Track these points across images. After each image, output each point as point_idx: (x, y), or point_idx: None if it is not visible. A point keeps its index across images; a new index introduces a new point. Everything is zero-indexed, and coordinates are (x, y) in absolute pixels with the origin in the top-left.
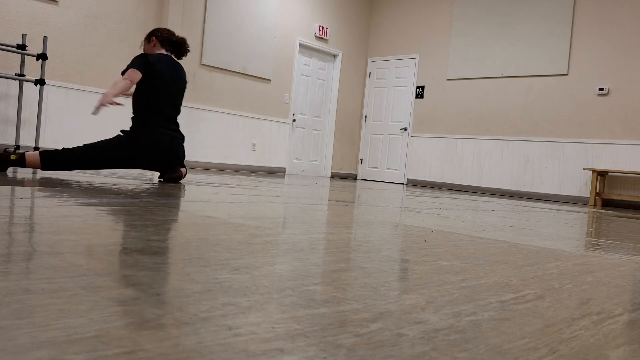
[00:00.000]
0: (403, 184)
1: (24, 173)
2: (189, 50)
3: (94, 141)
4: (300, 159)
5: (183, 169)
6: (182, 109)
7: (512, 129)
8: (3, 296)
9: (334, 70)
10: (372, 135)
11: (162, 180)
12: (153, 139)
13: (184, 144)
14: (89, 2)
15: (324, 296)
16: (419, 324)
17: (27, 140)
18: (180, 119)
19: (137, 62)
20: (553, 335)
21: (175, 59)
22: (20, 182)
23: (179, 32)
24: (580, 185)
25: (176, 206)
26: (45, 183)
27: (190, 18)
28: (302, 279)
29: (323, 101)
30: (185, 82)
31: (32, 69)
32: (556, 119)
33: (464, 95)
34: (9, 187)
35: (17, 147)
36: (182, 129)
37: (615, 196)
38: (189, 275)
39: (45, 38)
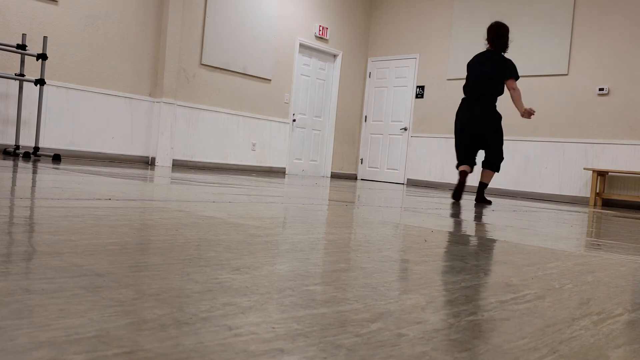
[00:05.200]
0: (403, 184)
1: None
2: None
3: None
4: (300, 159)
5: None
6: (181, 108)
7: (512, 129)
8: (3, 296)
9: (334, 70)
10: (372, 135)
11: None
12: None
13: None
14: (89, 2)
15: (324, 296)
16: (419, 324)
17: (27, 140)
18: (179, 118)
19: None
20: (553, 335)
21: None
22: (19, 182)
23: (179, 32)
24: (580, 185)
25: (176, 206)
26: (45, 183)
27: (190, 18)
28: (302, 279)
29: (323, 101)
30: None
31: (32, 69)
32: (556, 119)
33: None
34: (9, 186)
35: (17, 147)
36: (182, 128)
37: (615, 196)
38: (189, 275)
39: (45, 38)
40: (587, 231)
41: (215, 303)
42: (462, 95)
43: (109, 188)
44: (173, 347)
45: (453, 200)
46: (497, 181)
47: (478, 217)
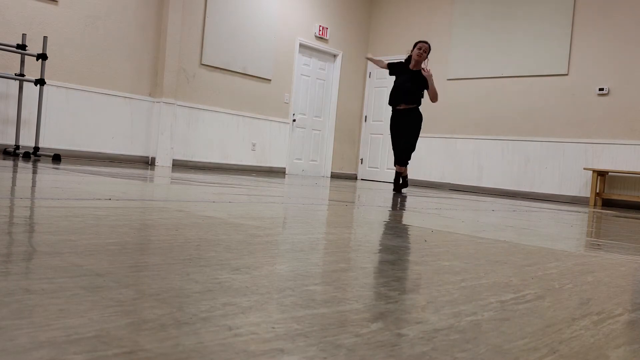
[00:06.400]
0: None
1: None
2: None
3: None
4: (300, 159)
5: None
6: (181, 108)
7: (512, 129)
8: (3, 296)
9: (334, 70)
10: (372, 135)
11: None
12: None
13: None
14: (89, 2)
15: (324, 296)
16: (419, 324)
17: (27, 140)
18: (179, 118)
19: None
20: (553, 336)
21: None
22: (19, 182)
23: (179, 32)
24: (580, 185)
25: (176, 206)
26: (45, 183)
27: (190, 18)
28: (302, 279)
29: (323, 101)
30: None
31: (32, 69)
32: (556, 119)
33: (464, 96)
34: (9, 186)
35: (17, 147)
36: (182, 128)
37: (615, 196)
38: (189, 275)
39: (45, 38)
40: (587, 231)
41: (215, 303)
42: (462, 96)
43: (109, 188)
44: (173, 347)
45: (394, 192)
46: (497, 181)
47: (477, 217)
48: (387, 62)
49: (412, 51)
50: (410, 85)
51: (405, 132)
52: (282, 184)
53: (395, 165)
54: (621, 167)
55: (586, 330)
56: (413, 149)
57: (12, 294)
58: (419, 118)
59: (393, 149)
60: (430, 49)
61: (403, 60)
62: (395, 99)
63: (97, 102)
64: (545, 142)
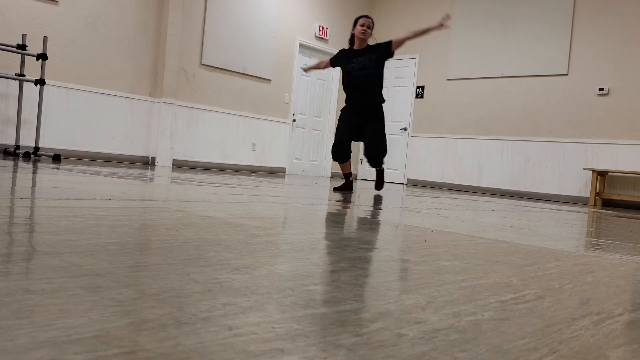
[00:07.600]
0: (403, 184)
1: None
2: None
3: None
4: (300, 159)
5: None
6: (181, 108)
7: (512, 129)
8: (3, 296)
9: (334, 70)
10: None
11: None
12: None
13: None
14: (89, 2)
15: (324, 296)
16: (419, 324)
17: (27, 140)
18: (179, 118)
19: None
20: (553, 335)
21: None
22: (19, 183)
23: (179, 32)
24: (580, 185)
25: (176, 206)
26: (45, 183)
27: (190, 18)
28: (302, 279)
29: (323, 101)
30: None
31: (32, 69)
32: (556, 119)
33: (464, 96)
34: (9, 186)
35: (17, 147)
36: (182, 128)
37: (615, 196)
38: (189, 275)
39: (45, 38)
40: (587, 231)
41: (215, 303)
42: (462, 96)
43: (109, 188)
44: (173, 347)
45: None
46: (497, 181)
47: (477, 217)
48: (328, 58)
49: (353, 29)
50: (372, 65)
51: (375, 133)
52: (282, 184)
53: (336, 160)
54: (621, 167)
55: (586, 330)
56: (385, 151)
57: (12, 294)
58: (383, 116)
59: (341, 139)
60: (373, 24)
61: (346, 48)
62: (357, 98)
63: (97, 102)
64: (545, 142)
